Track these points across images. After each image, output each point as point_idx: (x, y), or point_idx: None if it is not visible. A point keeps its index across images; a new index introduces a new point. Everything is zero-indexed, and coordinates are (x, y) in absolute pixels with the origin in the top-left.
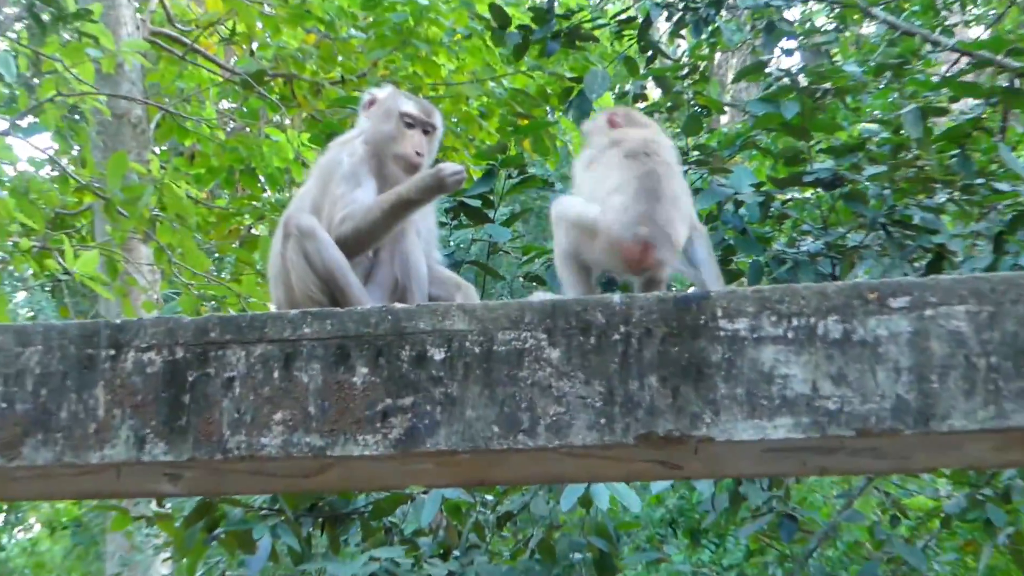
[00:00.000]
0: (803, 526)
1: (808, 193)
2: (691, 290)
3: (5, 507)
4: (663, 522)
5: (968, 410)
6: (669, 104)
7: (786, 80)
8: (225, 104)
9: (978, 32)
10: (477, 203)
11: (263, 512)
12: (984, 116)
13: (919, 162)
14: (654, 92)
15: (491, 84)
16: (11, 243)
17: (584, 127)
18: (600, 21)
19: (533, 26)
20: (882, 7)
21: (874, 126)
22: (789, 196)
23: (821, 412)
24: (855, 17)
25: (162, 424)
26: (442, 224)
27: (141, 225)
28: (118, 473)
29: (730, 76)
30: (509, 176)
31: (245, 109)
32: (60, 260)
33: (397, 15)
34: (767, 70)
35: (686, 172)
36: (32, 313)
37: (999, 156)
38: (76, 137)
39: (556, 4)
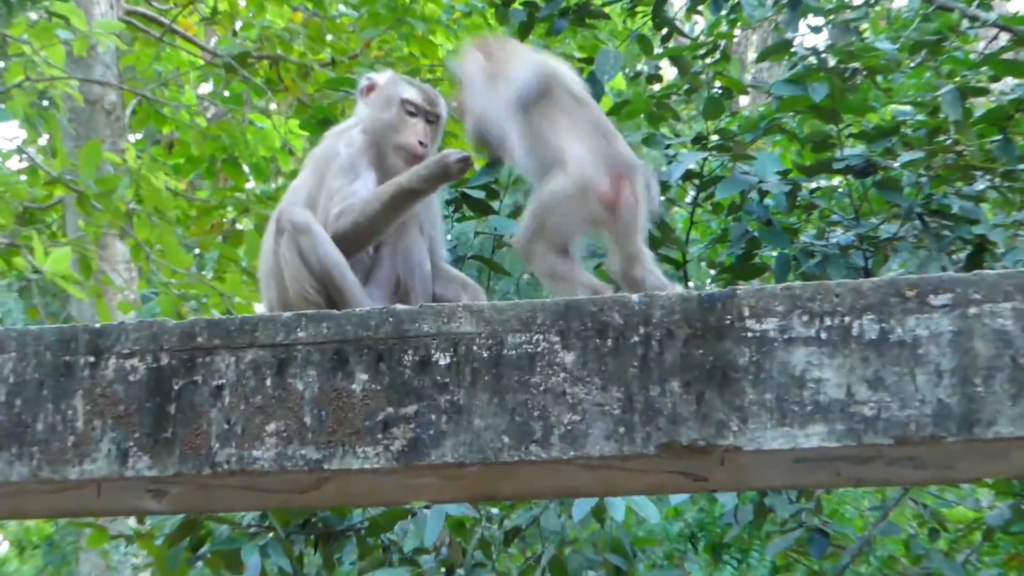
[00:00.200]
0: (834, 541)
1: (837, 181)
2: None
3: None
4: (682, 537)
5: (1015, 415)
6: (687, 86)
7: (813, 59)
8: (206, 88)
9: (1020, 6)
10: (481, 194)
11: (252, 530)
12: None
13: (957, 147)
14: (669, 73)
15: None
16: None
17: (460, 70)
18: None
19: (539, 2)
20: None
21: (908, 108)
22: (817, 184)
23: (857, 419)
24: None
25: (146, 436)
26: (443, 217)
27: (116, 219)
28: (98, 489)
29: (751, 55)
30: None
31: (228, 94)
32: (29, 258)
33: None
34: (792, 49)
35: (706, 159)
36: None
37: None
38: (46, 125)
39: None
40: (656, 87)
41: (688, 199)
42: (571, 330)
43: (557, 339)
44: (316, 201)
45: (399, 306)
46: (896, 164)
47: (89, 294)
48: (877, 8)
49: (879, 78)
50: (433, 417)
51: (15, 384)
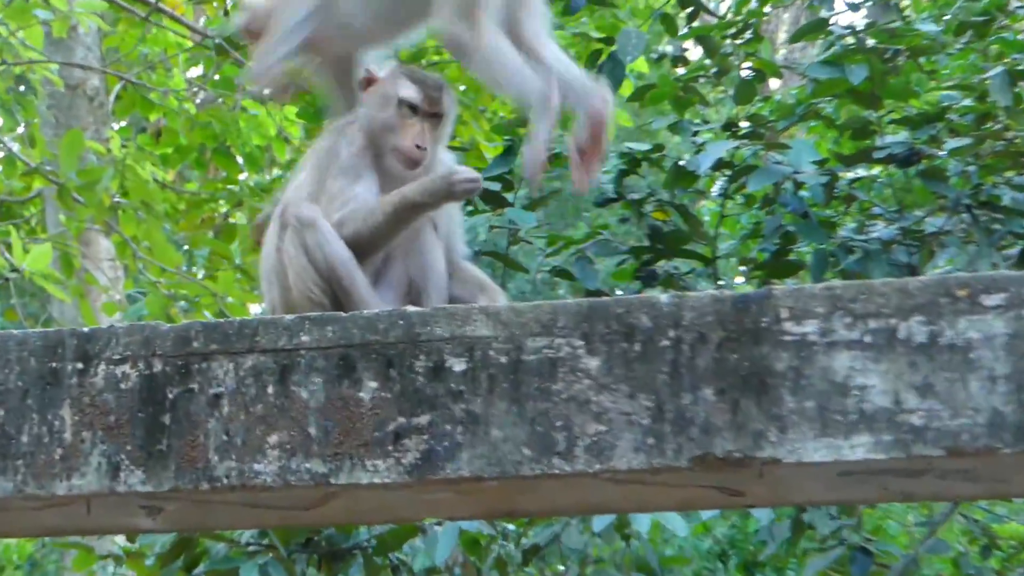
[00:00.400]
0: (878, 559)
1: (877, 170)
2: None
3: None
4: (712, 555)
5: None
6: (715, 69)
7: (850, 40)
8: (196, 72)
9: None
10: (496, 185)
11: (251, 548)
12: None
13: (1008, 134)
14: (695, 53)
15: None
16: None
17: None
18: None
19: None
20: None
21: (954, 92)
22: (856, 174)
23: (905, 428)
24: None
25: (139, 449)
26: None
27: (100, 214)
28: (88, 506)
29: (782, 35)
30: None
31: (219, 78)
32: (6, 255)
33: None
34: (828, 28)
35: (737, 148)
36: None
37: None
38: (23, 112)
39: None
40: (681, 70)
41: (716, 190)
42: (595, 333)
43: (580, 343)
44: (318, 202)
45: (410, 308)
46: (942, 152)
47: (71, 294)
48: None
49: (922, 60)
50: (448, 427)
51: None
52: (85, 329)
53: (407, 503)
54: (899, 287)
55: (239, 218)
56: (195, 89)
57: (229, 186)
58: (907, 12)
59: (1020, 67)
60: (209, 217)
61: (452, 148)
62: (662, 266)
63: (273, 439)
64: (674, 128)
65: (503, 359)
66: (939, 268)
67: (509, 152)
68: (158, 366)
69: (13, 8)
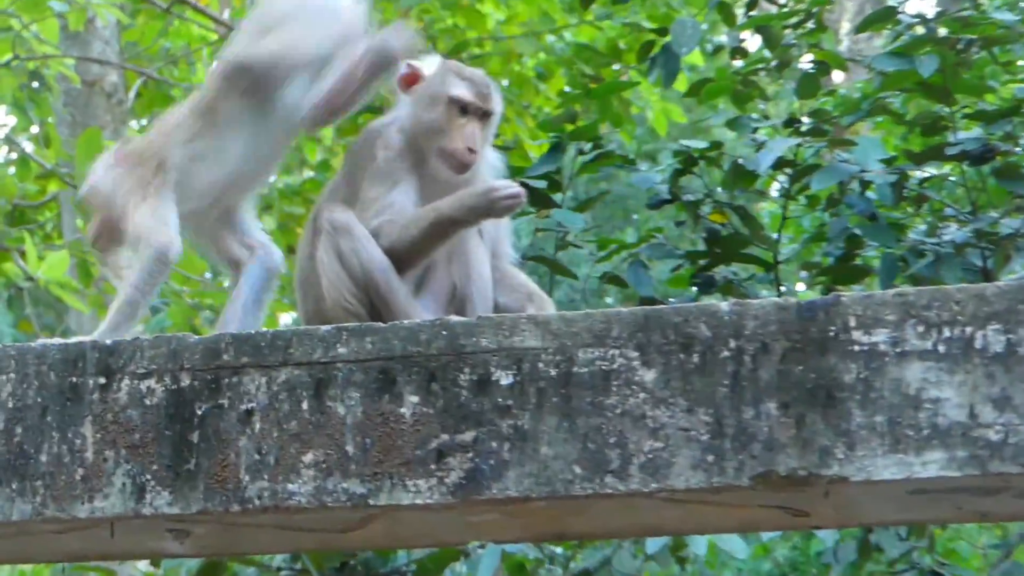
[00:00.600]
0: None
1: (947, 168)
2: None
3: None
4: None
5: None
6: (775, 61)
7: (920, 29)
8: None
9: None
10: (541, 184)
11: (282, 573)
12: None
13: None
14: (753, 45)
15: (550, 38)
16: None
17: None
18: None
19: None
20: None
21: None
22: (927, 173)
23: (981, 444)
24: None
25: (165, 468)
26: None
27: None
28: (112, 529)
29: (844, 25)
30: (581, 152)
31: None
32: (21, 263)
33: None
34: (897, 16)
35: (799, 145)
36: None
37: None
38: (38, 111)
39: None
40: (739, 62)
41: (775, 191)
42: (651, 344)
43: (635, 354)
44: (352, 208)
45: (454, 318)
46: (1018, 149)
47: (89, 305)
48: None
49: (996, 51)
50: (494, 445)
51: (15, 409)
52: (108, 341)
53: (450, 526)
54: (975, 293)
55: (268, 223)
56: None
57: None
58: (980, 0)
59: None
60: None
61: (496, 147)
62: (720, 271)
63: (308, 458)
64: (732, 124)
65: (553, 372)
66: (1015, 273)
67: (556, 149)
68: (186, 380)
69: (27, 0)
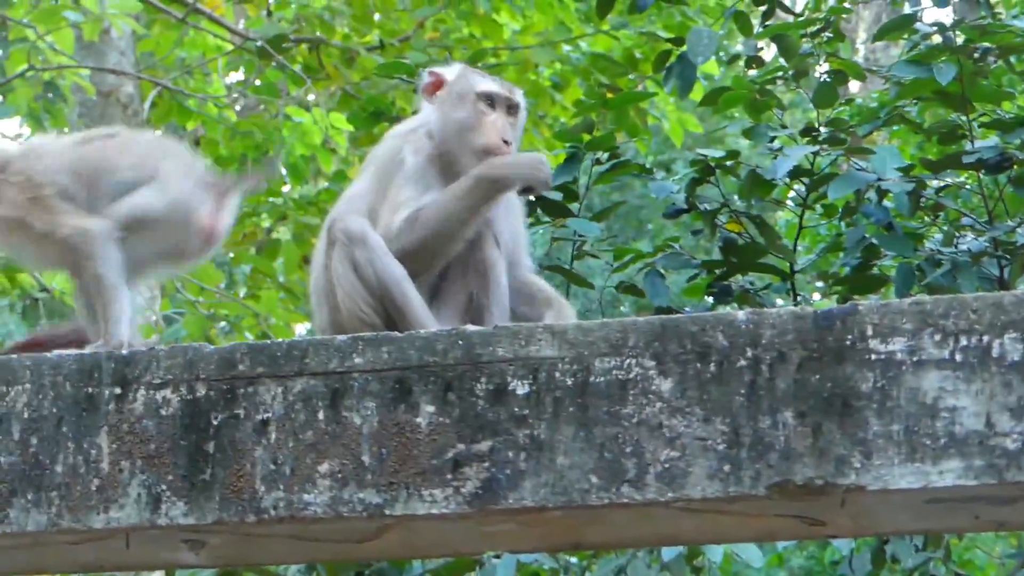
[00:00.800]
0: None
1: (963, 176)
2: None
3: None
4: None
5: None
6: (792, 70)
7: (937, 38)
8: (236, 77)
9: None
10: (557, 195)
11: None
12: None
13: None
14: (770, 53)
15: (566, 48)
16: None
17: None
18: None
19: None
20: None
21: None
22: (944, 182)
23: (998, 453)
24: None
25: (181, 479)
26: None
27: None
28: (127, 540)
29: (861, 34)
30: (597, 161)
31: (260, 83)
32: (35, 274)
33: None
34: (915, 26)
35: (816, 154)
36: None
37: None
38: (53, 121)
39: None
40: (754, 72)
41: (791, 201)
42: (668, 353)
43: (652, 364)
44: (378, 212)
45: (470, 327)
46: None
47: None
48: None
49: (1013, 60)
50: (510, 454)
51: (30, 420)
52: (123, 352)
53: (466, 535)
54: (993, 302)
55: (283, 233)
56: (235, 95)
57: (272, 199)
58: (997, 7)
59: None
60: (251, 232)
61: None
62: (737, 281)
63: (324, 468)
64: (748, 133)
65: (569, 381)
66: None
67: (572, 160)
68: (201, 390)
69: (42, 10)
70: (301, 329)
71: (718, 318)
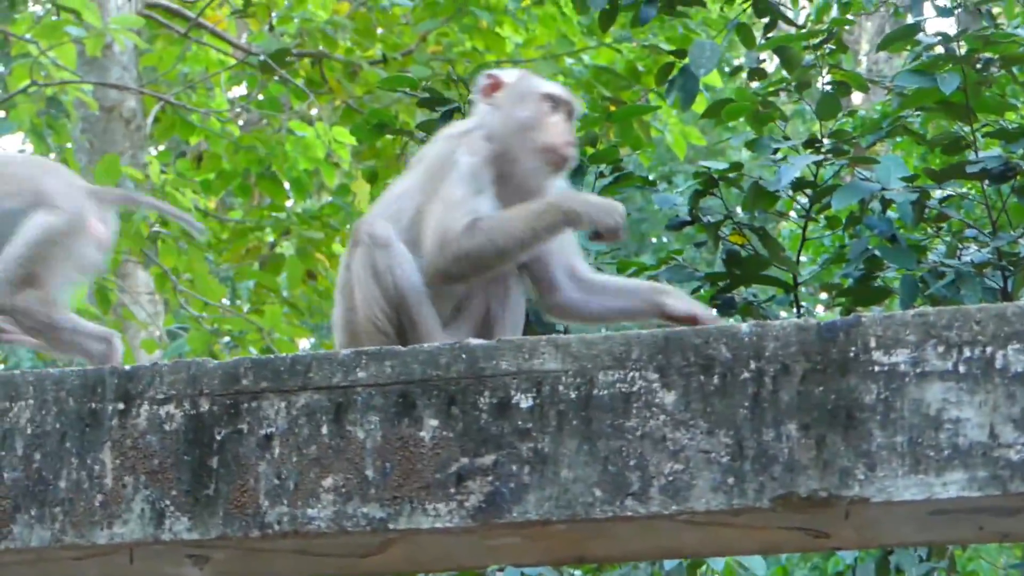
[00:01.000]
0: None
1: (967, 187)
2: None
3: None
4: None
5: None
6: (795, 82)
7: (940, 49)
8: (239, 92)
9: None
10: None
11: None
12: None
13: None
14: (772, 65)
15: (569, 61)
16: None
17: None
18: None
19: None
20: None
21: None
22: (947, 193)
23: (1002, 464)
24: None
25: (185, 494)
26: None
27: (138, 244)
28: (131, 556)
29: (864, 45)
30: (600, 174)
31: (263, 98)
32: None
33: None
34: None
35: (820, 164)
36: (1, 356)
37: None
38: (56, 136)
39: None
40: (756, 84)
41: (794, 213)
42: (671, 366)
43: (655, 376)
44: (426, 211)
45: (473, 341)
46: None
47: None
48: None
49: (1016, 70)
50: (514, 468)
51: (34, 436)
52: (126, 367)
53: (470, 549)
54: (996, 313)
55: (286, 248)
56: (238, 110)
57: (275, 213)
58: (999, 18)
59: None
60: (254, 247)
61: None
62: (740, 293)
63: (327, 482)
64: (751, 145)
65: (573, 394)
66: None
67: (576, 172)
68: (205, 406)
69: (44, 25)
70: (305, 343)
71: (721, 330)
